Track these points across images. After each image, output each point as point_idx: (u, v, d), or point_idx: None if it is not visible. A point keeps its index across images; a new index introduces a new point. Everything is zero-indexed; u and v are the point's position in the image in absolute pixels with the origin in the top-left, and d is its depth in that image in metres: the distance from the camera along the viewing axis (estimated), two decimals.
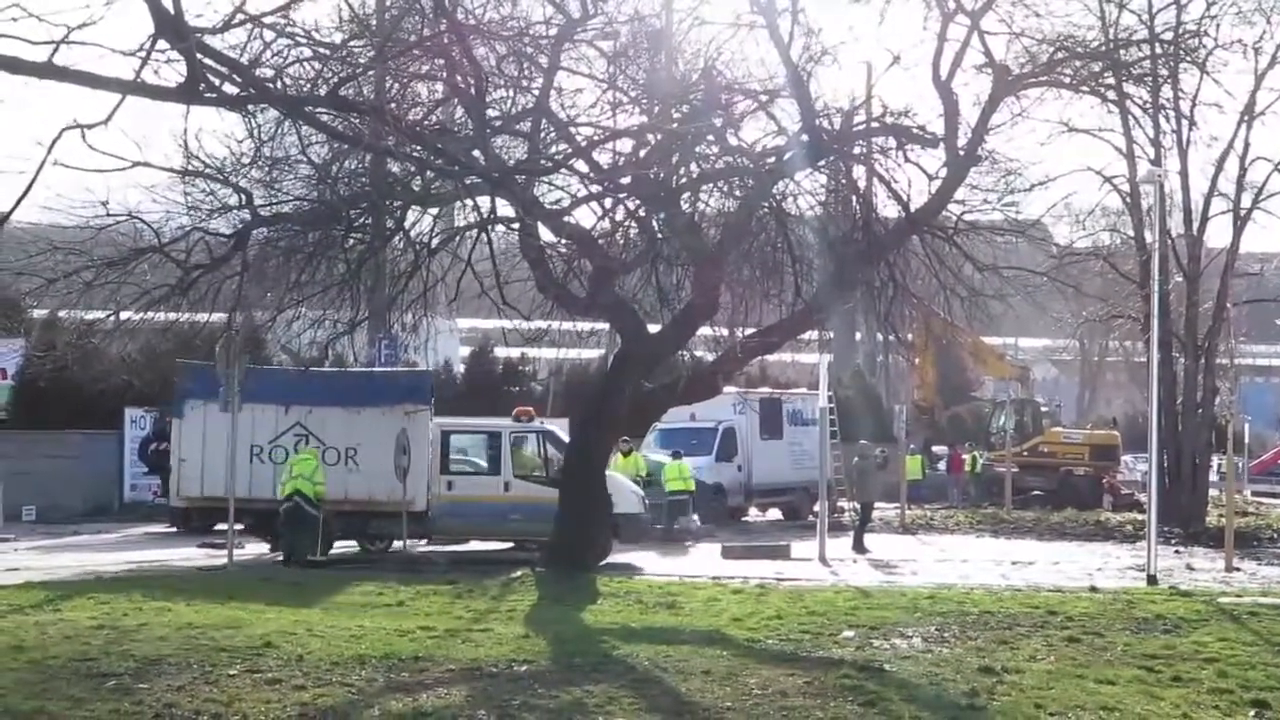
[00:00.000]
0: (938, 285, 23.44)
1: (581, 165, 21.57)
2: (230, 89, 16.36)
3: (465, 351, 50.55)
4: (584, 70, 21.61)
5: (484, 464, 27.24)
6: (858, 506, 31.73)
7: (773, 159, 22.30)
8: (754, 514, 39.61)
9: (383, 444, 25.45)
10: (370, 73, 19.04)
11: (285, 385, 24.96)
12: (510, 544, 27.15)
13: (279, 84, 17.05)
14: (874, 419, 47.04)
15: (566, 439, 27.61)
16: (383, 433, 25.58)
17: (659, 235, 22.49)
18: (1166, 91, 32.58)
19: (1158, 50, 27.68)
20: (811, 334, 27.34)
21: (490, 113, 20.48)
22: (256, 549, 27.13)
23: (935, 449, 50.23)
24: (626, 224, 23.20)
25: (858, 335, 59.18)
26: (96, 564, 24.50)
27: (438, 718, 11.31)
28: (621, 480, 27.35)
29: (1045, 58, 22.99)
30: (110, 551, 27.20)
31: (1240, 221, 36.20)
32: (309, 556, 24.23)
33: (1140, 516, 32.98)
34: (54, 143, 14.00)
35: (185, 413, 26.00)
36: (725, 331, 23.76)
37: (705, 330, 24.12)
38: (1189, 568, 25.42)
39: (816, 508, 29.35)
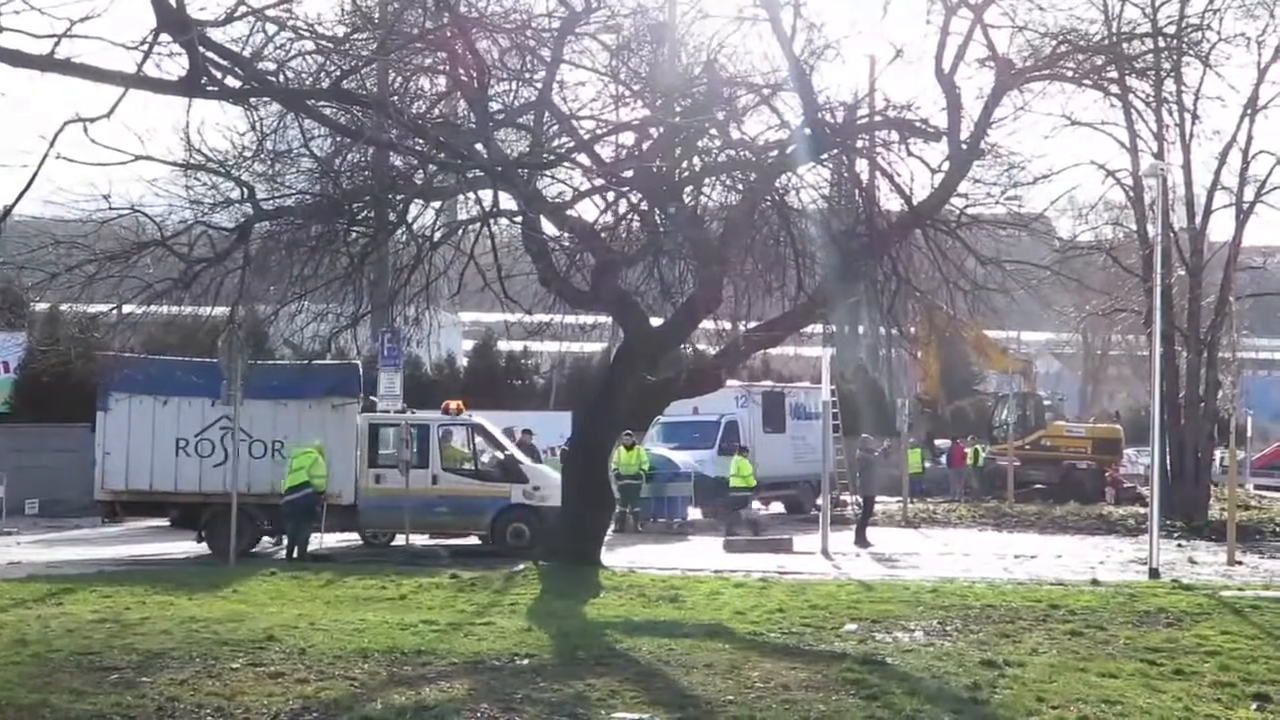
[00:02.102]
0: (940, 279, 23.45)
1: (584, 159, 21.56)
2: (232, 82, 16.33)
3: (468, 345, 50.60)
4: (586, 63, 21.60)
5: (412, 457, 27.12)
6: (860, 500, 31.77)
7: (775, 152, 22.30)
8: (756, 507, 39.57)
9: (309, 436, 25.36)
10: (373, 66, 19.02)
11: (212, 378, 24.93)
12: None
13: (281, 77, 17.01)
14: (876, 413, 47.05)
15: (498, 433, 27.62)
16: (309, 425, 25.55)
17: (661, 229, 22.48)
18: (1169, 85, 32.57)
19: (1160, 44, 27.68)
20: (814, 327, 27.33)
21: (493, 106, 20.46)
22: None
23: (937, 442, 50.21)
24: (629, 217, 23.20)
25: (860, 329, 59.08)
26: (99, 557, 24.58)
27: (440, 711, 11.30)
28: (552, 474, 27.29)
29: (1048, 51, 23.03)
30: (112, 545, 27.23)
31: (1243, 215, 36.21)
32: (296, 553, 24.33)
33: (1142, 510, 33.04)
34: (56, 136, 13.96)
35: (110, 405, 25.81)
36: (728, 325, 23.78)
37: (708, 324, 24.13)
38: (1191, 561, 25.44)
39: (819, 501, 29.36)
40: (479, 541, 26.69)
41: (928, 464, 45.63)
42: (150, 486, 25.65)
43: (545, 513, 25.85)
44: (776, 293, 23.50)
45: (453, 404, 27.42)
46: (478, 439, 27.10)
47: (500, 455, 26.97)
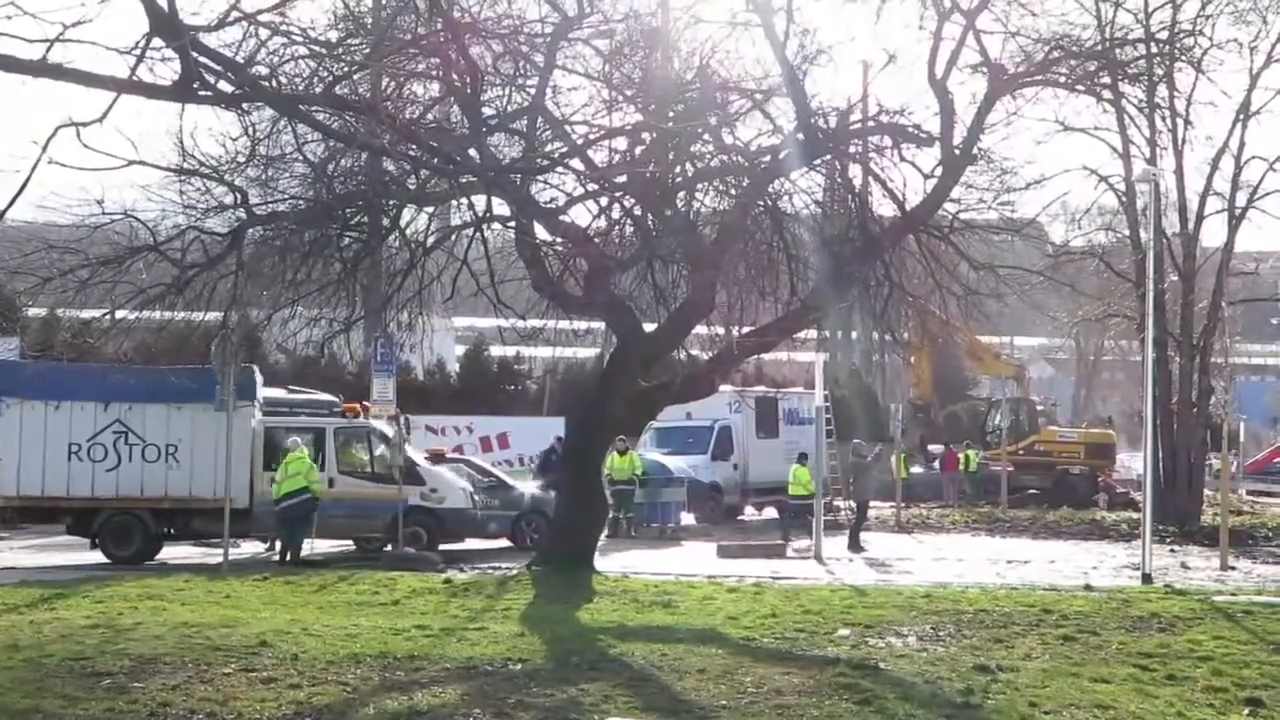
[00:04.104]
0: (934, 284, 23.49)
1: (577, 164, 21.58)
2: (225, 87, 16.34)
3: (460, 350, 50.59)
4: (580, 69, 21.63)
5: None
6: (853, 505, 31.74)
7: (768, 158, 22.32)
8: (750, 512, 39.60)
9: (203, 440, 25.15)
10: (365, 71, 19.03)
11: (104, 382, 24.71)
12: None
13: (274, 82, 17.03)
14: (870, 417, 47.11)
15: (392, 435, 27.47)
16: (203, 429, 25.22)
17: (654, 234, 22.49)
18: (1162, 90, 32.60)
19: (1153, 49, 27.74)
20: (808, 333, 27.34)
21: (486, 111, 20.48)
22: (252, 547, 27.17)
23: (931, 447, 50.25)
24: (622, 222, 23.19)
25: (854, 334, 59.23)
26: (91, 562, 24.53)
27: (433, 716, 11.29)
28: (449, 476, 27.28)
29: (1041, 57, 23.04)
30: None
31: (1235, 220, 36.26)
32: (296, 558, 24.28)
33: (1135, 515, 33.04)
34: (49, 141, 13.97)
35: (1, 411, 25.57)
36: (721, 330, 23.76)
37: (701, 329, 24.13)
38: (1184, 566, 25.47)
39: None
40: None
41: (915, 469, 45.61)
42: (42, 492, 25.38)
43: (443, 515, 26.14)
44: (769, 298, 23.51)
45: (350, 407, 27.35)
46: (376, 443, 27.00)
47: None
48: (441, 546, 26.32)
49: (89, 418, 25.27)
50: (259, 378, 26.64)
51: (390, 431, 27.25)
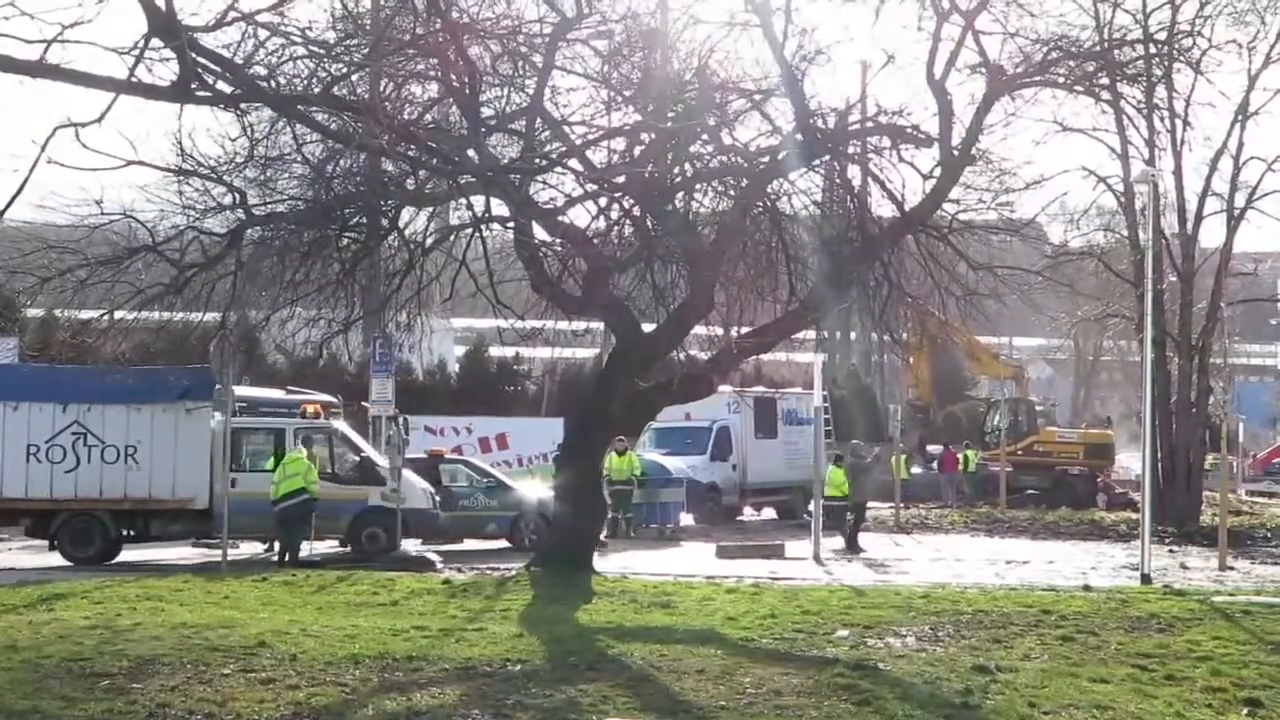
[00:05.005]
0: (932, 284, 23.45)
1: (576, 164, 21.56)
2: (224, 88, 16.36)
3: (460, 351, 50.61)
4: (578, 69, 21.59)
5: (269, 461, 26.47)
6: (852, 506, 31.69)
7: (767, 158, 22.29)
8: (749, 513, 39.62)
9: (162, 441, 25.11)
10: (364, 72, 19.04)
11: (62, 383, 24.71)
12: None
13: (272, 83, 17.05)
14: (869, 418, 47.12)
15: (356, 438, 27.49)
16: (162, 430, 25.20)
17: (653, 234, 22.46)
18: (1160, 91, 32.59)
19: (1152, 50, 27.69)
20: (806, 333, 27.33)
21: (484, 112, 20.47)
22: (250, 548, 27.16)
23: (930, 448, 50.24)
24: (621, 223, 23.16)
25: (853, 334, 59.31)
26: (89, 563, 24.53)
27: (431, 717, 11.29)
28: (410, 476, 27.15)
29: (1039, 57, 23.01)
30: None
31: (1234, 221, 36.31)
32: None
33: (1134, 515, 33.05)
34: (48, 141, 14.02)
35: None
36: (720, 331, 23.74)
37: (700, 329, 24.12)
38: (1183, 567, 25.48)
39: (811, 507, 29.31)
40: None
41: (914, 470, 45.61)
42: (0, 494, 25.29)
43: (404, 515, 26.04)
44: (768, 298, 23.50)
45: (310, 407, 27.31)
46: (337, 443, 26.93)
47: (358, 458, 26.77)
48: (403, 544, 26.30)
49: (47, 419, 25.12)
50: (216, 378, 26.55)
51: (350, 432, 27.29)
